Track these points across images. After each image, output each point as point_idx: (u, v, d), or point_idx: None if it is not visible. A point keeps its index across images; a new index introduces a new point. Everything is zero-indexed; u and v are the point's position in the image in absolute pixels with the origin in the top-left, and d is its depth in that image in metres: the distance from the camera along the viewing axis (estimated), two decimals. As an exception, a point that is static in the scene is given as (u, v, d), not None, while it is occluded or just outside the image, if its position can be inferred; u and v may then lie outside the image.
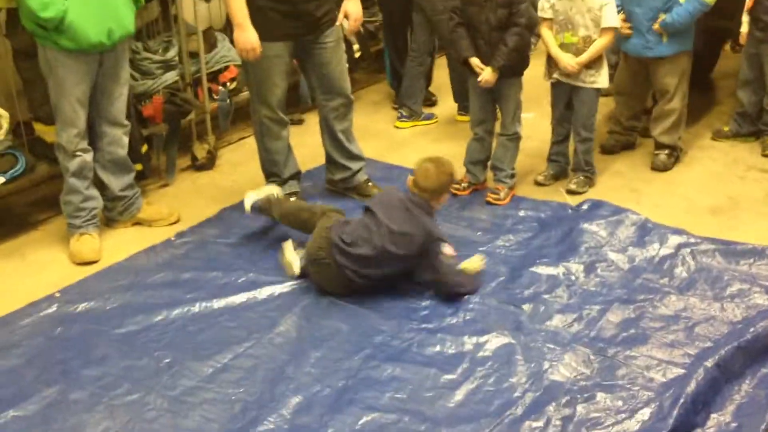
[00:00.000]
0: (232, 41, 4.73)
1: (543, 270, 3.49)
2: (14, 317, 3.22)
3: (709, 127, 4.88)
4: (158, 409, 2.73)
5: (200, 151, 4.55)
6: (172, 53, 4.34)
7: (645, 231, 3.76)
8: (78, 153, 3.59)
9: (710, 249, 3.61)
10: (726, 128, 4.77)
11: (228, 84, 4.67)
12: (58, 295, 3.37)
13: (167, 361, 2.96)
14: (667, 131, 4.42)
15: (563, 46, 4.05)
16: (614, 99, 4.71)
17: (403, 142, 4.94)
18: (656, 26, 4.16)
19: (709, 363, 2.81)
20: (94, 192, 3.74)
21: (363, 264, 3.24)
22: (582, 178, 4.25)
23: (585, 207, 3.98)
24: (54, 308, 3.28)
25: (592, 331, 3.09)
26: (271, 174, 4.06)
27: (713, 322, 3.13)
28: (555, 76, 4.14)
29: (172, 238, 3.81)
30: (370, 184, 4.21)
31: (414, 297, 3.33)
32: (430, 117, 5.24)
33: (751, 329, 2.99)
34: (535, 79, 4.42)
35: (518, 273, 3.47)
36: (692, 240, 3.68)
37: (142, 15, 4.32)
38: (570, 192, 4.19)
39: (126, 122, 3.79)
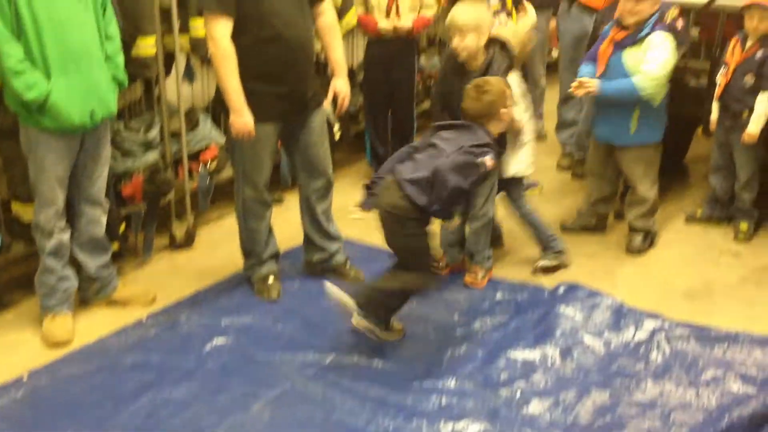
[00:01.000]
0: (215, 120, 4.84)
1: (519, 354, 3.48)
2: (-20, 402, 3.16)
3: (683, 211, 4.96)
4: (124, 499, 2.66)
5: (179, 230, 4.56)
6: (153, 133, 4.38)
7: (620, 315, 3.78)
8: (55, 233, 3.58)
9: (685, 334, 3.63)
10: (699, 212, 4.85)
11: (209, 163, 4.70)
12: (26, 378, 3.30)
13: (136, 447, 2.90)
14: (641, 217, 4.49)
15: None
16: (587, 180, 4.79)
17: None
18: (576, 87, 4.22)
19: (685, 452, 2.80)
20: (70, 272, 3.71)
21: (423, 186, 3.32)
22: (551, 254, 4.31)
23: (561, 290, 4.00)
24: (22, 392, 3.22)
25: (569, 418, 3.08)
26: (250, 253, 4.04)
27: (689, 409, 3.13)
28: None
29: (144, 319, 3.77)
30: (348, 265, 4.22)
31: (392, 380, 3.30)
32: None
33: (726, 417, 3.01)
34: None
35: (495, 356, 3.46)
36: (667, 325, 3.70)
37: (124, 95, 4.38)
38: (541, 269, 4.26)
39: (105, 202, 3.80)
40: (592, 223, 4.73)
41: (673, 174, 5.41)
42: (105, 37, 3.55)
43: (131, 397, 3.18)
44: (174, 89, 4.51)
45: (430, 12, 5.20)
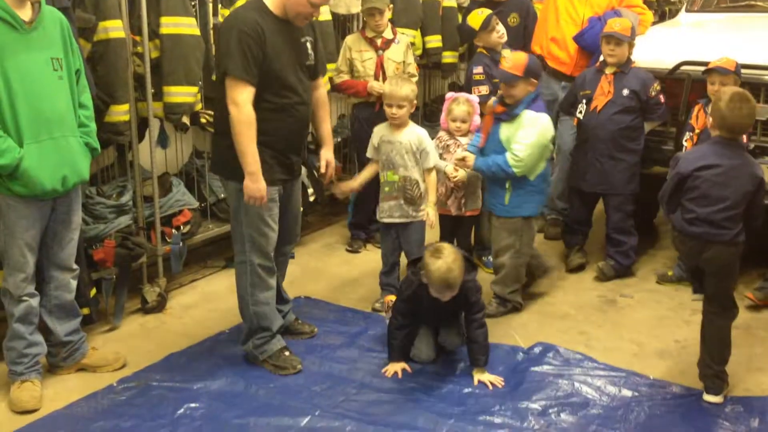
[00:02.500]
0: (187, 186, 4.85)
1: (497, 416, 3.46)
2: (-57, 472, 3.06)
3: (654, 272, 5.02)
4: None
5: (150, 294, 4.51)
6: (126, 198, 4.38)
7: (596, 376, 3.78)
8: (24, 298, 3.53)
9: (662, 395, 3.64)
10: (670, 273, 4.91)
11: (182, 227, 4.69)
12: (-8, 447, 3.22)
13: None
14: (498, 283, 4.52)
15: (386, 183, 4.42)
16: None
17: (355, 283, 4.96)
18: (468, 160, 4.43)
19: None
20: (39, 338, 3.64)
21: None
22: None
23: (536, 350, 4.01)
24: (-13, 461, 3.13)
25: (547, 480, 3.04)
26: (259, 329, 3.84)
27: (668, 470, 3.11)
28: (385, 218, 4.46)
29: (114, 384, 3.69)
30: (299, 321, 4.26)
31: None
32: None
33: (705, 477, 2.98)
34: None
35: (471, 419, 3.43)
36: (644, 384, 3.71)
37: (97, 160, 4.39)
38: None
39: (75, 267, 3.76)
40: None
41: (644, 235, 5.49)
42: (78, 105, 3.58)
43: (100, 466, 3.10)
44: (147, 155, 4.53)
45: (413, 80, 5.31)
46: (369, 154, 4.52)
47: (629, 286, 4.87)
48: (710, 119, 3.65)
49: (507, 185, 4.35)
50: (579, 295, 4.78)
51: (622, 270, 4.98)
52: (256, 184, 3.54)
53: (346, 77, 5.25)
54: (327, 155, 4.04)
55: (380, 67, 5.22)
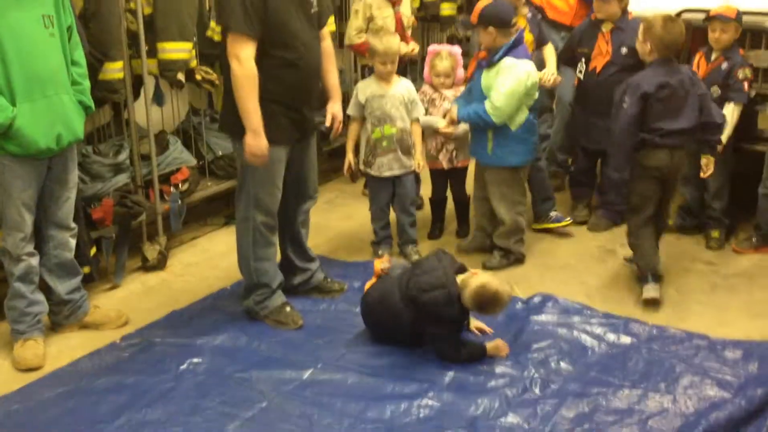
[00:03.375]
0: (185, 144, 4.83)
1: (497, 365, 3.48)
2: (-49, 428, 3.09)
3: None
4: None
5: (151, 252, 4.52)
6: (123, 156, 4.36)
7: (596, 324, 3.79)
8: (24, 257, 3.54)
9: (661, 341, 3.66)
10: (671, 222, 4.90)
11: (180, 185, 4.68)
12: (-3, 403, 3.25)
13: (110, 471, 2.85)
14: (501, 236, 4.53)
15: (384, 138, 4.41)
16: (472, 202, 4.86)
17: (356, 237, 4.96)
18: (452, 112, 4.41)
19: (663, 456, 2.81)
20: (40, 296, 3.66)
21: None
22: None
23: (536, 300, 4.02)
24: (-6, 418, 3.16)
25: (547, 427, 3.07)
26: (259, 286, 3.85)
27: (666, 414, 3.14)
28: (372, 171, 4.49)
29: (118, 341, 3.72)
30: (329, 280, 4.22)
31: (370, 394, 3.29)
32: (560, 219, 4.92)
33: (703, 422, 3.02)
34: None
35: (472, 369, 3.45)
36: (643, 331, 3.73)
37: (93, 119, 4.37)
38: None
39: (73, 225, 3.76)
40: (486, 242, 4.72)
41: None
42: (71, 63, 3.54)
43: (106, 420, 3.13)
44: (143, 113, 4.49)
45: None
46: (352, 111, 4.49)
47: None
48: (647, 46, 3.99)
49: (489, 134, 4.33)
50: (579, 245, 4.79)
51: (614, 219, 4.98)
52: (257, 141, 3.49)
53: (365, 36, 5.10)
54: (333, 108, 3.95)
55: (400, 23, 5.13)
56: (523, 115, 4.31)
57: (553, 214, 4.90)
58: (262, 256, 3.81)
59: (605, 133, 4.71)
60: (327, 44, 3.90)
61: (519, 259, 4.55)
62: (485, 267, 4.46)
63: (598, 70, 4.75)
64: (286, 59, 3.54)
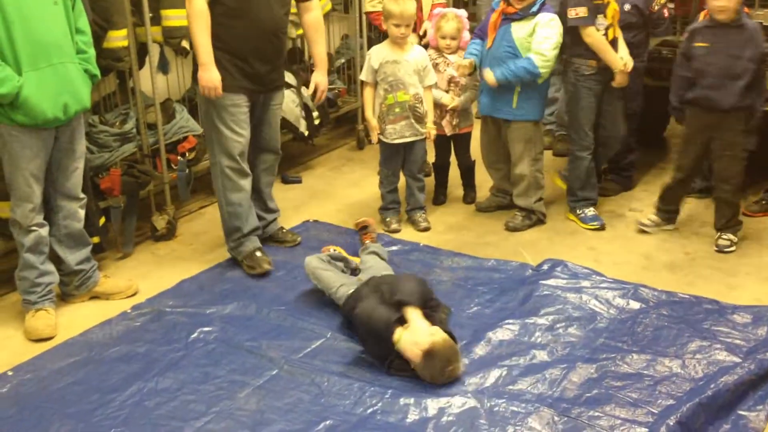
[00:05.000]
0: (191, 112, 4.80)
1: (505, 331, 3.49)
2: (-35, 398, 3.13)
3: (663, 185, 4.97)
4: (114, 491, 2.64)
5: (160, 221, 4.52)
6: (129, 125, 4.35)
7: (605, 289, 3.79)
8: (33, 228, 3.54)
9: (670, 306, 3.65)
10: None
11: (187, 154, 4.67)
12: (11, 373, 3.27)
13: (124, 439, 2.88)
14: (521, 195, 4.54)
15: (396, 104, 4.38)
16: (483, 164, 4.82)
17: (362, 205, 4.95)
18: (488, 76, 4.32)
19: (671, 420, 2.82)
20: (50, 267, 3.68)
21: None
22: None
23: (545, 267, 4.01)
24: (6, 388, 3.18)
25: (556, 392, 3.08)
26: (233, 230, 4.07)
27: (675, 379, 3.14)
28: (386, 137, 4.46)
29: (128, 311, 3.74)
30: (284, 230, 4.41)
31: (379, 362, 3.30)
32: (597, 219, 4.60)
33: (712, 386, 3.01)
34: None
35: (480, 335, 3.46)
36: (652, 296, 3.72)
37: (99, 88, 4.35)
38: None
39: (82, 195, 3.76)
40: (504, 201, 4.76)
41: (654, 148, 5.44)
42: (75, 31, 3.51)
43: (117, 389, 3.15)
44: (149, 81, 4.47)
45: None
46: (365, 76, 4.46)
47: (639, 201, 4.84)
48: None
49: (516, 88, 4.30)
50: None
51: (624, 185, 4.94)
52: (207, 74, 3.71)
53: (380, 7, 5.02)
54: (316, 78, 4.16)
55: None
56: (552, 68, 4.30)
57: (588, 212, 4.58)
58: (232, 200, 4.01)
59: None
60: (314, 15, 4.09)
61: (541, 220, 4.56)
62: (508, 227, 4.49)
63: None
64: (230, 8, 3.72)
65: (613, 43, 4.33)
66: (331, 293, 3.64)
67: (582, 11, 4.24)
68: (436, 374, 3.12)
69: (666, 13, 4.65)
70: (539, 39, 4.18)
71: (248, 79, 3.85)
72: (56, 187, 3.64)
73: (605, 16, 4.28)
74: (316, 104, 4.38)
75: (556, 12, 4.28)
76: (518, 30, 4.23)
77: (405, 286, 3.34)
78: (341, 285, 3.62)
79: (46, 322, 3.59)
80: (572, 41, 4.34)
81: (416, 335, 3.14)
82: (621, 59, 4.32)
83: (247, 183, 4.03)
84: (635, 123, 4.90)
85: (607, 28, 4.29)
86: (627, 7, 4.56)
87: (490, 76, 4.29)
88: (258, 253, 4.07)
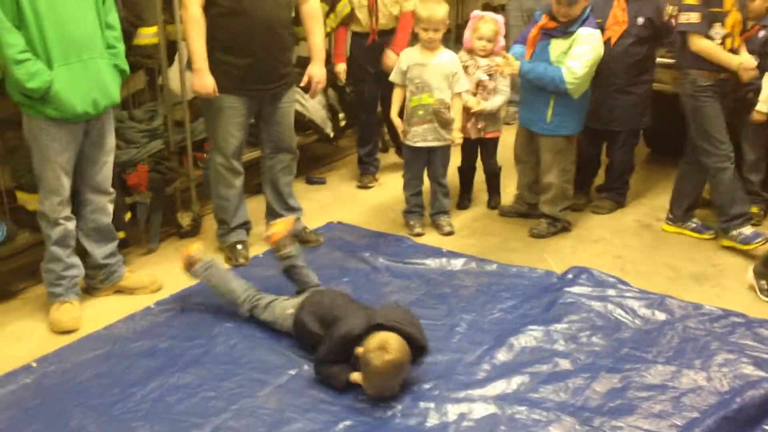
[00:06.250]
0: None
1: (528, 338, 3.46)
2: (-10, 388, 3.15)
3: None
4: (133, 484, 2.65)
5: (185, 218, 4.54)
6: (157, 122, 4.37)
7: (630, 299, 3.74)
8: (61, 221, 3.57)
9: (696, 318, 3.60)
10: (707, 196, 4.81)
11: (213, 152, 4.68)
12: (34, 365, 3.29)
13: (144, 433, 2.89)
14: (547, 203, 4.52)
15: (420, 107, 4.37)
16: (516, 167, 4.80)
17: (386, 208, 4.95)
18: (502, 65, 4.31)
19: (695, 434, 2.78)
20: (76, 260, 3.70)
21: None
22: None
23: (570, 275, 3.98)
24: (30, 379, 3.21)
25: (578, 401, 3.05)
26: (221, 221, 4.28)
27: (700, 392, 3.10)
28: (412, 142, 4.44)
29: (152, 306, 3.75)
30: (308, 231, 4.43)
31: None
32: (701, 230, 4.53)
33: (738, 399, 2.97)
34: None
35: (503, 341, 3.43)
36: (678, 308, 3.68)
37: (128, 85, 4.38)
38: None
39: (111, 190, 3.78)
40: (522, 209, 4.75)
41: (681, 159, 5.36)
42: (105, 26, 3.54)
43: (139, 383, 3.17)
44: (177, 79, 4.49)
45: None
46: (394, 78, 4.46)
47: (664, 210, 4.77)
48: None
49: (550, 102, 4.27)
50: (615, 219, 4.73)
51: (619, 202, 4.89)
52: (200, 80, 3.83)
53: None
54: (310, 70, 4.18)
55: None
56: (587, 84, 4.26)
57: (746, 231, 4.27)
58: (222, 194, 4.17)
59: (615, 111, 4.57)
60: (309, 6, 4.13)
61: (566, 228, 4.53)
62: (532, 233, 4.48)
63: (613, 41, 4.52)
64: (227, 8, 3.78)
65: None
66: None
67: (694, 17, 4.04)
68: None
69: (674, 23, 4.58)
70: (573, 54, 4.13)
71: (250, 78, 3.90)
72: (85, 180, 3.67)
73: (723, 25, 4.08)
74: (311, 96, 4.39)
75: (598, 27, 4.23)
76: (556, 48, 4.20)
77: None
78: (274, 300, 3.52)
79: (70, 314, 3.62)
80: (683, 49, 4.21)
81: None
82: (738, 58, 4.11)
83: (238, 181, 4.17)
84: (636, 139, 4.87)
85: (724, 38, 4.09)
86: (640, 20, 4.48)
87: (514, 63, 4.27)
88: (239, 246, 4.23)
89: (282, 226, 3.73)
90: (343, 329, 3.11)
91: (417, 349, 3.13)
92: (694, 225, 4.50)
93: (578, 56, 4.13)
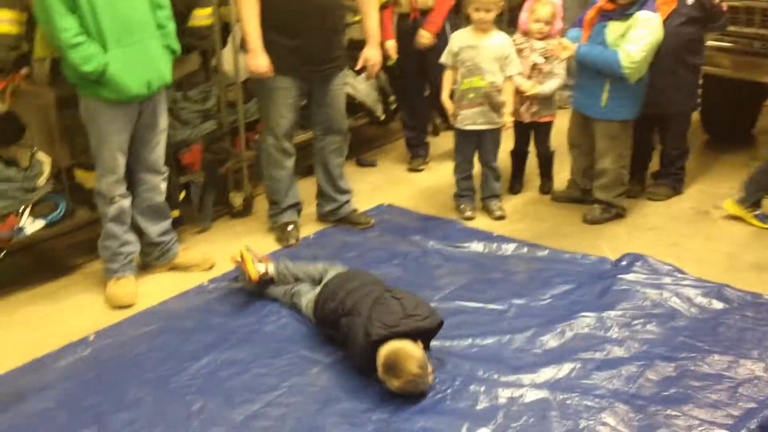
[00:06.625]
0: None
1: (580, 324, 3.42)
2: (49, 359, 3.24)
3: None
4: (187, 456, 2.70)
5: (237, 198, 4.59)
6: (210, 103, 4.42)
7: (686, 287, 3.67)
8: (116, 199, 3.63)
9: (755, 307, 3.52)
10: (767, 184, 4.69)
11: (265, 133, 4.72)
12: (92, 338, 3.38)
13: (198, 406, 2.94)
14: (602, 188, 4.43)
15: (471, 90, 4.31)
16: (569, 152, 4.71)
17: (436, 191, 4.93)
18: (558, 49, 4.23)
19: (752, 424, 2.74)
20: (132, 237, 3.77)
21: None
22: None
23: (624, 261, 3.91)
24: (88, 351, 3.29)
25: (632, 388, 3.00)
26: (272, 202, 4.32)
27: (757, 382, 3.02)
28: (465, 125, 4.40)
29: (206, 284, 3.81)
30: (357, 212, 4.43)
31: (449, 342, 3.28)
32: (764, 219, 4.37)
33: (797, 391, 2.90)
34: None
35: (554, 327, 3.40)
36: (736, 297, 3.59)
37: (182, 66, 4.41)
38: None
39: (164, 169, 3.84)
40: (575, 195, 4.68)
41: (741, 144, 5.24)
42: (156, 6, 3.57)
43: (193, 358, 3.22)
44: (231, 60, 4.52)
45: None
46: (445, 59, 4.43)
47: (722, 198, 4.66)
48: None
49: (606, 86, 4.19)
50: (671, 206, 4.63)
51: (676, 188, 4.77)
52: (254, 60, 3.87)
53: None
54: (366, 52, 4.18)
55: None
56: (645, 69, 4.17)
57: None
58: (274, 176, 4.22)
59: (663, 95, 4.42)
60: None
61: (620, 214, 4.46)
62: (586, 219, 4.43)
63: (662, 20, 4.34)
64: None
65: None
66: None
67: None
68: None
69: (724, 6, 4.44)
70: (631, 38, 4.03)
71: (301, 60, 3.92)
72: (139, 160, 3.73)
73: None
74: (367, 79, 4.39)
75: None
76: (614, 30, 4.10)
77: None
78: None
79: (126, 290, 3.69)
80: None
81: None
82: None
83: (290, 162, 4.20)
84: (687, 123, 4.72)
85: None
86: (690, 0, 4.37)
87: (569, 45, 4.21)
88: (289, 227, 4.25)
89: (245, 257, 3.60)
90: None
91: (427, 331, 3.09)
92: (758, 212, 4.38)
93: (636, 40, 4.03)
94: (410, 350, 2.92)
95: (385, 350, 2.92)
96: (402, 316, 3.02)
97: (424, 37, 4.86)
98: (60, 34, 3.27)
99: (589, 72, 4.24)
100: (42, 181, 3.73)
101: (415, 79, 5.16)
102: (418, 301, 3.13)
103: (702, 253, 4.07)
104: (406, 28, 5.02)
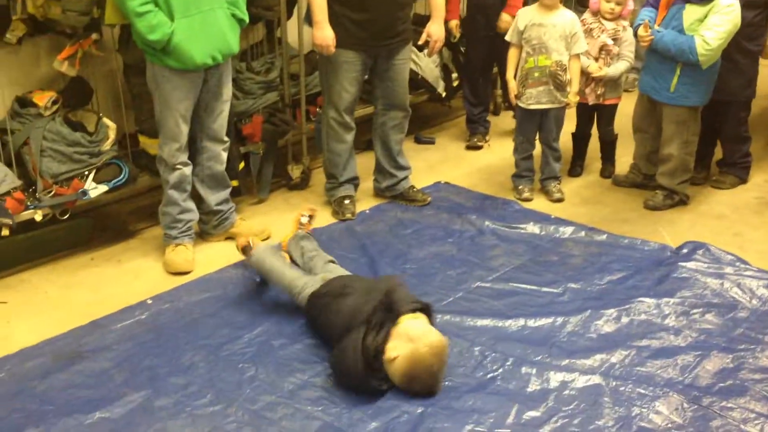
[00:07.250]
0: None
1: (636, 311, 3.36)
2: (108, 321, 3.32)
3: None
4: (239, 422, 2.75)
5: (295, 171, 4.62)
6: (273, 75, 4.43)
7: (749, 278, 3.57)
8: (178, 166, 3.69)
9: (819, 301, 3.41)
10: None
11: (326, 106, 4.72)
12: (150, 302, 3.45)
13: (250, 374, 2.99)
14: (666, 174, 4.32)
15: (536, 68, 4.26)
16: (633, 136, 4.59)
17: (494, 170, 4.88)
18: (642, 32, 4.10)
19: (813, 421, 2.65)
20: (191, 205, 3.83)
21: None
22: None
23: (685, 249, 3.83)
24: (146, 315, 3.37)
25: (687, 378, 2.95)
26: (330, 175, 4.34)
27: (819, 378, 2.94)
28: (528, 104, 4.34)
29: (261, 254, 3.85)
30: (415, 189, 4.45)
31: (501, 322, 3.28)
32: None
33: None
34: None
35: (610, 313, 3.35)
36: (800, 290, 3.48)
37: (247, 36, 4.45)
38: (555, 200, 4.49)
39: (226, 139, 3.88)
40: (638, 180, 4.58)
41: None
42: (224, -24, 3.58)
43: (247, 326, 3.27)
44: (295, 32, 4.53)
45: None
46: (510, 37, 4.36)
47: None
48: None
49: (677, 70, 4.08)
50: (735, 195, 4.51)
51: (741, 177, 4.62)
52: (320, 32, 3.85)
53: None
54: (429, 28, 4.15)
55: None
56: (718, 55, 4.06)
57: None
58: (333, 149, 4.23)
59: (722, 80, 4.25)
60: None
61: (683, 201, 4.37)
62: (647, 205, 4.35)
63: None
64: None
65: None
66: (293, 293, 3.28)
67: None
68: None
69: None
70: (709, 24, 3.91)
71: (366, 33, 3.90)
72: (202, 128, 3.77)
73: None
74: (429, 54, 4.38)
75: None
76: (691, 14, 3.98)
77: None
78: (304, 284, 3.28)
79: (184, 257, 3.75)
80: None
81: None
82: None
83: (349, 136, 4.21)
84: (746, 111, 4.55)
85: None
86: None
87: (647, 30, 4.09)
88: (346, 201, 4.28)
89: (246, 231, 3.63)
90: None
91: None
92: None
93: (714, 26, 3.91)
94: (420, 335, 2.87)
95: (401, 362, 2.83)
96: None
97: (506, 21, 4.77)
98: (127, 2, 3.31)
99: (660, 55, 4.12)
100: (107, 146, 3.80)
101: (485, 56, 5.10)
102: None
103: (766, 244, 3.95)
104: (477, 3, 4.96)
